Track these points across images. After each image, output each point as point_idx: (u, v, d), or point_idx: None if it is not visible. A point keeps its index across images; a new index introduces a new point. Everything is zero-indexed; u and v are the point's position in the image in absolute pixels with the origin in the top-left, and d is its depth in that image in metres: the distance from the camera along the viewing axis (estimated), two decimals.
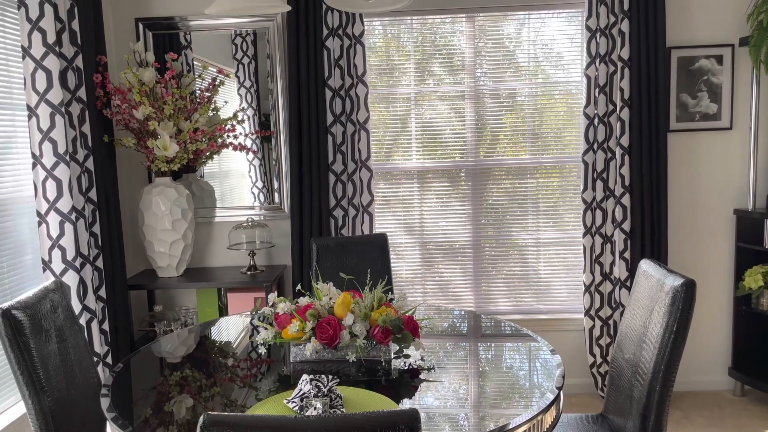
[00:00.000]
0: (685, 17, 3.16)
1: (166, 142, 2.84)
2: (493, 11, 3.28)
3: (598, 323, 3.23)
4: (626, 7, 3.00)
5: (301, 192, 3.18)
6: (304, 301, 1.90)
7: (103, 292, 2.80)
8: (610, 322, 3.23)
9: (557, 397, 1.62)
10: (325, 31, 3.08)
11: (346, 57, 3.12)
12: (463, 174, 3.39)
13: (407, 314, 1.88)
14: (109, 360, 2.82)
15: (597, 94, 3.12)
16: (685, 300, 1.73)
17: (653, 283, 1.91)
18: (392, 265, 3.44)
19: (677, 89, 3.20)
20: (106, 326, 2.81)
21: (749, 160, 3.17)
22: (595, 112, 3.14)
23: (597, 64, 3.10)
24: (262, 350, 1.95)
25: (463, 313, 2.38)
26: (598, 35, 3.08)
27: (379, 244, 2.76)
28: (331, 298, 1.89)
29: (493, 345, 2.03)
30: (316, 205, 3.16)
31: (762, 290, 3.11)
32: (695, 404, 3.18)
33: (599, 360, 3.25)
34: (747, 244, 3.16)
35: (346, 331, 1.79)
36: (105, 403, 1.63)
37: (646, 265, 2.03)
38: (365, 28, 3.18)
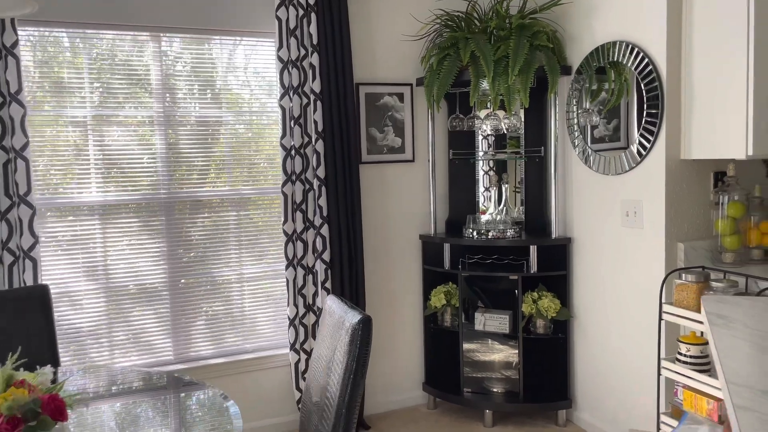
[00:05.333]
0: (370, 56, 3.35)
1: None
2: (181, 32, 3.04)
3: (304, 357, 3.18)
4: (315, 41, 3.05)
5: None
6: None
7: None
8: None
9: None
10: None
11: None
12: (155, 207, 3.06)
13: (51, 392, 1.51)
14: None
15: (292, 126, 3.10)
16: (362, 337, 1.71)
17: (335, 320, 1.87)
18: (69, 319, 2.92)
19: (367, 123, 3.37)
20: None
21: (429, 190, 3.48)
22: (292, 143, 3.11)
23: (291, 95, 3.08)
24: None
25: (139, 371, 2.07)
26: (290, 67, 3.07)
27: (39, 297, 2.27)
28: None
29: (163, 401, 1.77)
30: None
31: (445, 308, 3.42)
32: (395, 423, 3.33)
33: None
34: (432, 267, 3.45)
35: None
36: None
37: (330, 301, 2.00)
38: (20, 37, 2.66)
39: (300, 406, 2.03)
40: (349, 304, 1.88)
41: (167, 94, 3.04)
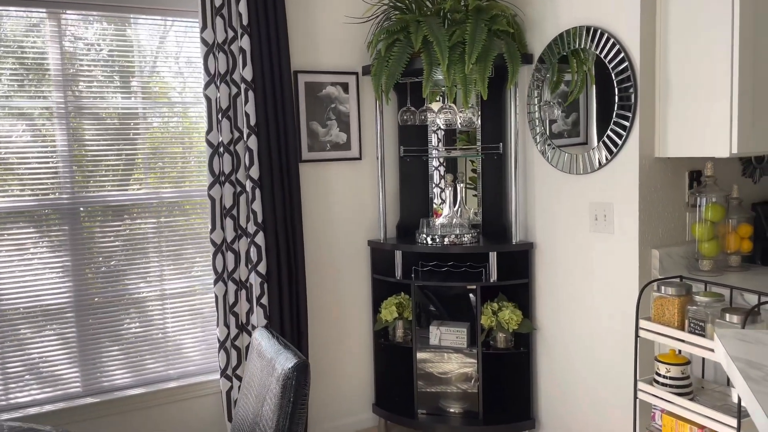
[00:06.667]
0: (310, 40, 2.97)
1: None
2: (85, 9, 2.58)
3: (237, 383, 2.78)
4: (245, 22, 2.64)
5: None
6: None
7: None
8: None
9: None
10: None
11: None
12: (55, 215, 2.59)
13: None
14: None
15: (220, 119, 2.69)
16: (297, 388, 1.36)
17: (265, 363, 1.51)
18: None
19: (307, 117, 2.99)
20: None
21: (378, 191, 3.13)
22: (220, 139, 2.70)
23: (218, 83, 2.67)
24: None
25: None
26: (216, 51, 2.65)
27: None
28: None
29: None
30: None
31: (396, 321, 3.09)
32: None
33: None
34: (382, 276, 3.11)
35: None
36: None
37: (260, 337, 1.63)
38: None
39: None
40: (282, 341, 1.52)
41: (79, 83, 2.58)
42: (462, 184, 3.13)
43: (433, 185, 3.26)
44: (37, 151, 2.55)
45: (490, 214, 3.12)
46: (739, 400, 1.88)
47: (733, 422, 1.90)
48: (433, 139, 3.22)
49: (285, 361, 1.39)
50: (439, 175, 3.25)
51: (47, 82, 2.55)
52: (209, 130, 2.69)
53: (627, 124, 2.39)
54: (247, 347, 2.80)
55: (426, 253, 3.09)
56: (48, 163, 2.57)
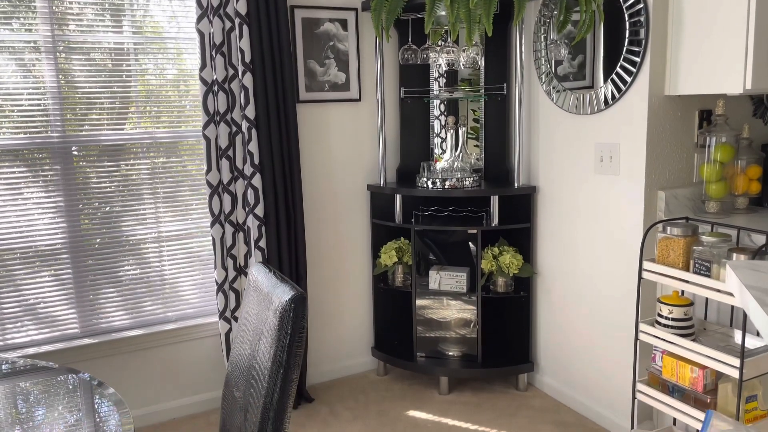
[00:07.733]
0: None
1: None
2: None
3: (236, 325, 2.77)
4: None
5: None
6: None
7: None
8: None
9: None
10: None
11: None
12: (46, 155, 2.52)
13: None
14: None
15: (214, 55, 2.59)
16: (294, 321, 1.32)
17: (262, 297, 1.47)
18: None
19: (304, 55, 2.88)
20: None
21: (378, 134, 3.05)
22: (214, 76, 2.61)
23: (211, 17, 2.56)
24: None
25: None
26: None
27: None
28: None
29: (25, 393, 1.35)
30: None
31: (396, 266, 3.06)
32: (341, 393, 3.00)
33: None
34: (381, 221, 3.07)
35: None
36: None
37: (257, 272, 1.59)
38: None
39: (222, 401, 1.64)
40: (279, 275, 1.48)
41: (60, 15, 2.47)
42: (464, 128, 3.05)
43: (434, 135, 3.17)
44: (25, 88, 2.46)
45: (493, 158, 3.06)
46: (743, 340, 1.86)
47: (736, 362, 1.88)
48: (435, 87, 3.12)
49: (282, 293, 1.35)
50: (440, 124, 3.16)
51: (33, 17, 2.43)
52: (203, 67, 2.59)
53: (637, 60, 2.29)
54: (245, 290, 2.78)
55: (426, 198, 3.04)
56: (36, 100, 2.48)
